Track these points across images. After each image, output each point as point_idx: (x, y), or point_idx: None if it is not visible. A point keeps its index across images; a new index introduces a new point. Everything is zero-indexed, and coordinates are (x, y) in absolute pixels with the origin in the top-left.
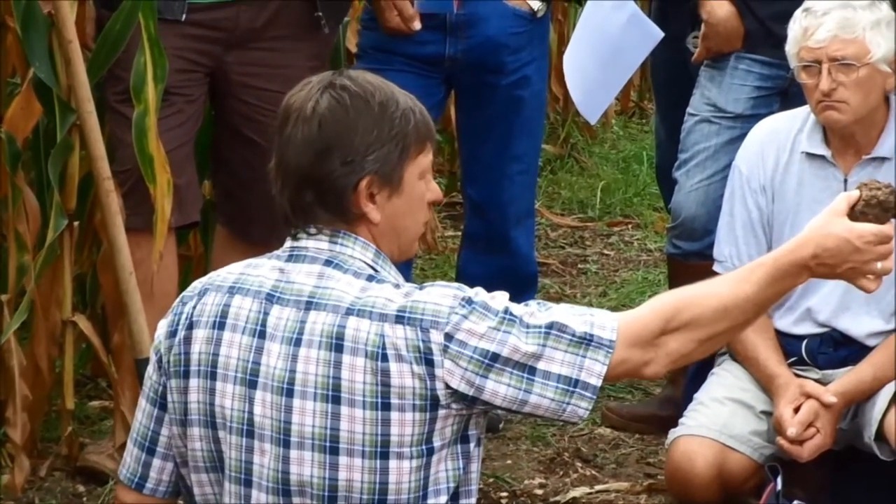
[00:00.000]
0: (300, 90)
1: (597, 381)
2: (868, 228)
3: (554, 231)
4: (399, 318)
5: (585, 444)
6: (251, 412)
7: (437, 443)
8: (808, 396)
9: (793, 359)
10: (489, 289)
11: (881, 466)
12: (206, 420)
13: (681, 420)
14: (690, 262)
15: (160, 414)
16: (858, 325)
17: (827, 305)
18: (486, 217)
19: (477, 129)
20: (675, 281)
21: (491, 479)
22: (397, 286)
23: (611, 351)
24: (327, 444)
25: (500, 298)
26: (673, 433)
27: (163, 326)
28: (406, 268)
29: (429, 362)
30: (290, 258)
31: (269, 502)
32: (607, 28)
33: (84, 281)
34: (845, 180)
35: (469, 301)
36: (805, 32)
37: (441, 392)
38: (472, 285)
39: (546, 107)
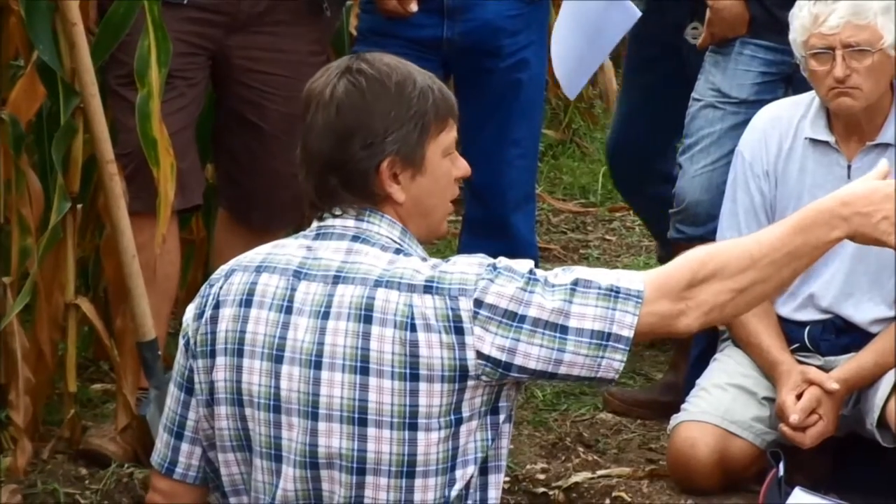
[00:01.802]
0: (320, 76)
1: (629, 333)
2: None
3: (556, 216)
4: (427, 288)
5: (587, 429)
6: (278, 387)
7: (465, 413)
8: (811, 383)
9: (795, 345)
10: None
11: (883, 453)
12: (232, 398)
13: (683, 406)
14: (694, 247)
15: (187, 398)
16: (861, 311)
17: (829, 292)
18: (485, 202)
19: (475, 114)
20: None
21: None
22: (424, 259)
23: (640, 301)
24: (356, 415)
25: (525, 262)
26: (675, 419)
27: (190, 310)
28: None
29: (458, 330)
30: (317, 236)
31: (299, 475)
32: (589, 6)
33: (87, 264)
34: (849, 166)
35: (494, 267)
36: (816, 19)
37: (471, 362)
38: None
39: (546, 91)
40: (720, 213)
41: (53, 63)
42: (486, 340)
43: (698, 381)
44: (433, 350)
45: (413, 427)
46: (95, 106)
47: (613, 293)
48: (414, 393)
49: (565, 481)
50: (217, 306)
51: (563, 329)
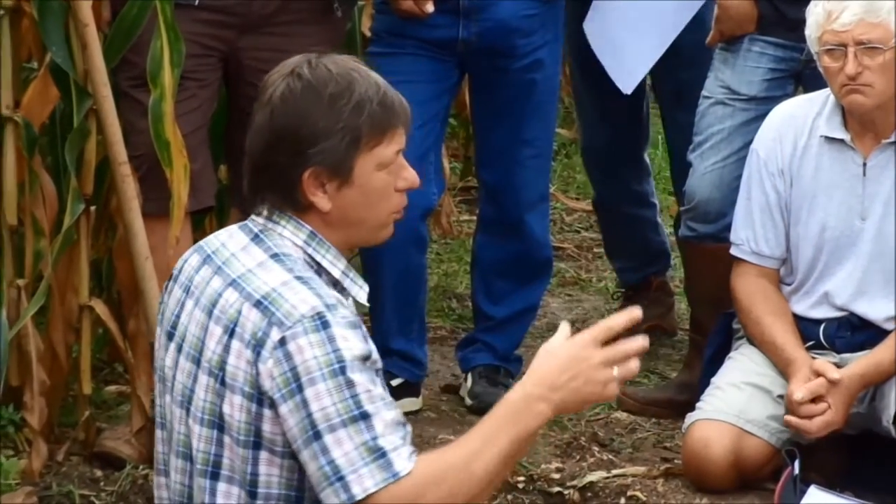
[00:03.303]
0: (276, 71)
1: (359, 492)
2: (586, 335)
3: (569, 215)
4: (258, 304)
5: (602, 428)
6: (166, 362)
7: (266, 444)
8: (819, 374)
9: (810, 343)
10: (504, 273)
11: None
12: (161, 374)
13: (698, 404)
14: (705, 245)
15: None
16: (876, 308)
17: (844, 289)
18: (499, 201)
19: (489, 114)
20: (689, 263)
21: None
22: (290, 270)
23: (391, 479)
24: (180, 398)
25: (356, 346)
26: (690, 417)
27: None
28: (419, 252)
29: (258, 354)
30: (241, 227)
31: (180, 466)
32: None
33: (100, 266)
34: (864, 164)
35: (323, 322)
36: (829, 16)
37: (264, 386)
38: (487, 269)
39: (560, 91)
40: (734, 211)
41: (66, 65)
42: (269, 377)
43: (713, 380)
44: (240, 362)
45: (220, 428)
46: (108, 107)
47: (379, 454)
48: (220, 396)
49: (580, 480)
50: (174, 280)
51: (317, 434)
